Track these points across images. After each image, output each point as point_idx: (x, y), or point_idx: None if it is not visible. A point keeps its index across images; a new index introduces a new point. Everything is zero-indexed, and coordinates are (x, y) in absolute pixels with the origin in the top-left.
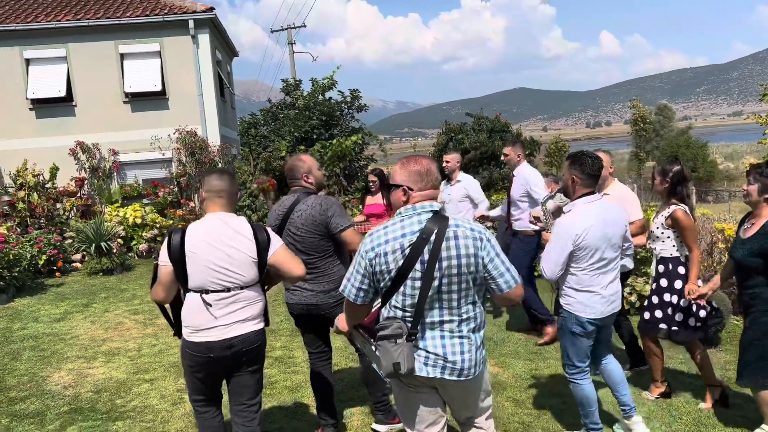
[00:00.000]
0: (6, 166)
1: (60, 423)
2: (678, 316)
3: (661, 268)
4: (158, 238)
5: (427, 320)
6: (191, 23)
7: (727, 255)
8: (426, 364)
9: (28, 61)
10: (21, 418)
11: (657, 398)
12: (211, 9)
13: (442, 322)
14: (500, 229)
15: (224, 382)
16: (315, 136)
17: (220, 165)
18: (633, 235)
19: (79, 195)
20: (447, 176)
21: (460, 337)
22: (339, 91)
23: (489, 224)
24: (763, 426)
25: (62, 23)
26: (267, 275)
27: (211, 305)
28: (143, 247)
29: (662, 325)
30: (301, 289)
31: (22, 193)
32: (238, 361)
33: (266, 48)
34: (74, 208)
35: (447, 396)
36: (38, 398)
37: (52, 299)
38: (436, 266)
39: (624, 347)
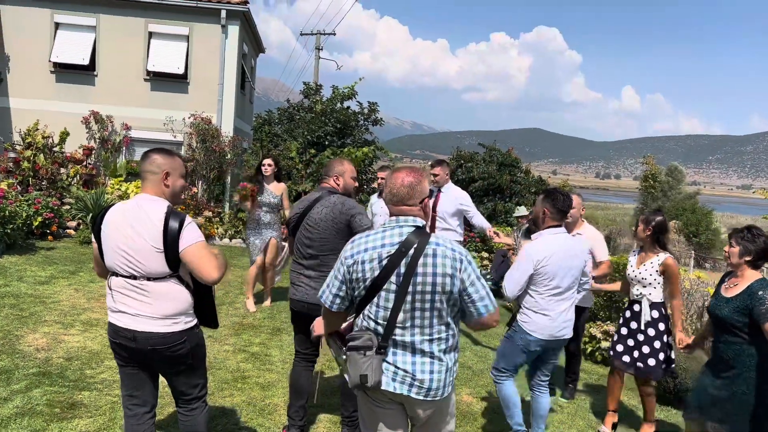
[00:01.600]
0: (18, 123)
1: (26, 384)
2: (672, 354)
3: (655, 313)
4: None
5: (398, 336)
6: (223, 13)
7: None
8: (394, 380)
9: (57, 25)
10: None
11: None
12: (246, 2)
13: (413, 340)
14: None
15: (153, 378)
16: (327, 142)
17: (229, 156)
18: (599, 278)
19: (84, 163)
20: (381, 191)
21: (431, 356)
22: (358, 101)
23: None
24: None
25: None
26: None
27: (112, 289)
28: None
29: (665, 365)
30: (306, 286)
31: (28, 153)
32: (150, 358)
33: (292, 50)
34: (78, 175)
35: (412, 414)
36: (9, 356)
37: (40, 261)
38: (411, 281)
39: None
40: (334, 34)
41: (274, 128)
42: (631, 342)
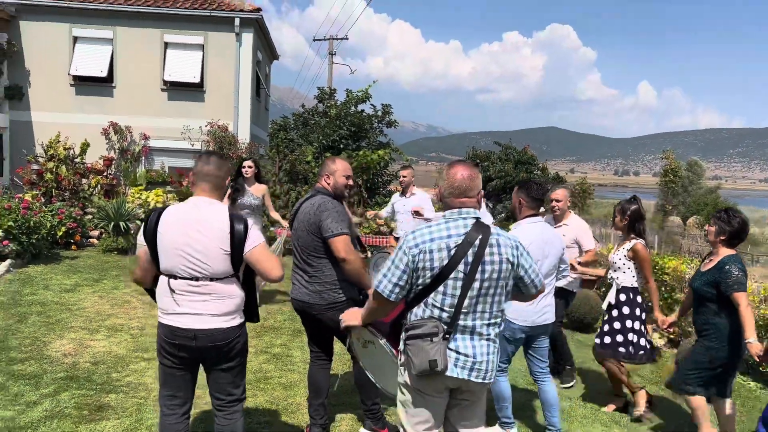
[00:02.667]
0: (40, 136)
1: (54, 388)
2: (641, 341)
3: (622, 296)
4: None
5: (461, 322)
6: (237, 21)
7: None
8: (456, 366)
9: (75, 39)
10: (18, 378)
11: (615, 411)
12: (258, 10)
13: (474, 324)
14: None
15: (195, 378)
16: (342, 146)
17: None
18: (586, 263)
19: (105, 174)
20: (403, 189)
21: (488, 339)
22: (371, 104)
23: None
24: None
25: (113, 6)
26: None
27: (174, 291)
28: None
29: (621, 349)
30: (299, 284)
31: (51, 165)
32: (206, 356)
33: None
34: (99, 185)
35: (458, 402)
36: (37, 362)
37: (65, 270)
38: (479, 269)
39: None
40: (347, 39)
41: (290, 134)
42: (606, 327)
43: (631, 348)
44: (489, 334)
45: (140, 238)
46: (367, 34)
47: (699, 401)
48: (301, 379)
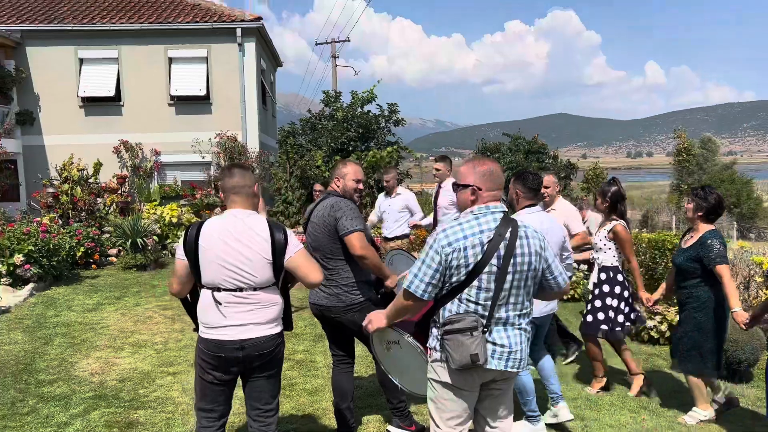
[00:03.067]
0: (53, 159)
1: (84, 407)
2: (618, 318)
3: (603, 275)
4: None
5: (496, 314)
6: (239, 31)
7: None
8: (493, 357)
9: (81, 61)
10: (47, 400)
11: (598, 392)
12: (259, 19)
13: (507, 316)
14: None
15: (233, 391)
16: (351, 148)
17: (257, 171)
18: (575, 248)
19: (119, 192)
20: (387, 191)
21: (520, 329)
22: (377, 104)
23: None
24: (694, 408)
25: (116, 26)
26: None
27: (221, 303)
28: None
29: (603, 326)
30: (316, 288)
31: (66, 187)
32: (250, 365)
33: (309, 62)
34: (114, 204)
35: (490, 393)
36: (65, 382)
37: (87, 290)
38: (511, 262)
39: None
40: (349, 41)
41: (299, 139)
42: (589, 306)
43: (610, 324)
44: (521, 324)
45: (179, 252)
46: (368, 34)
47: (697, 379)
48: (325, 384)
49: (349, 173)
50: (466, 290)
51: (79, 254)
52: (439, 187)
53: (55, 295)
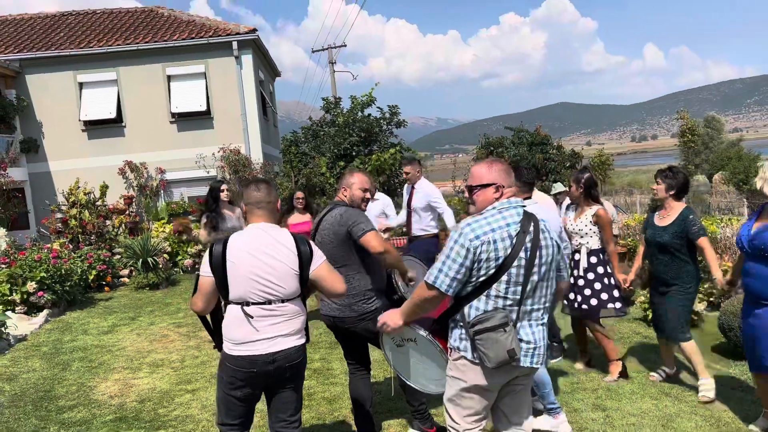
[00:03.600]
0: (60, 184)
1: (105, 431)
2: (617, 293)
3: (593, 259)
4: (202, 253)
5: (523, 308)
6: (235, 44)
7: None
8: (522, 354)
9: (81, 85)
10: (68, 426)
11: (617, 379)
12: (254, 30)
13: (532, 310)
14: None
15: (257, 404)
16: (354, 153)
17: None
18: None
19: (127, 212)
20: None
21: (542, 324)
22: (378, 107)
23: (387, 235)
24: (701, 381)
25: (113, 48)
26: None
27: (252, 317)
28: (188, 262)
29: (611, 305)
30: (328, 300)
31: (74, 211)
32: (279, 377)
33: (307, 70)
34: (123, 224)
35: (511, 389)
36: (85, 407)
37: (101, 312)
38: (537, 254)
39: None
40: (345, 46)
41: (301, 147)
42: (574, 289)
43: (616, 302)
44: (543, 319)
45: (205, 269)
46: (364, 37)
47: (692, 345)
48: (344, 391)
49: (356, 183)
50: (495, 285)
51: (91, 277)
52: (412, 188)
53: (70, 320)
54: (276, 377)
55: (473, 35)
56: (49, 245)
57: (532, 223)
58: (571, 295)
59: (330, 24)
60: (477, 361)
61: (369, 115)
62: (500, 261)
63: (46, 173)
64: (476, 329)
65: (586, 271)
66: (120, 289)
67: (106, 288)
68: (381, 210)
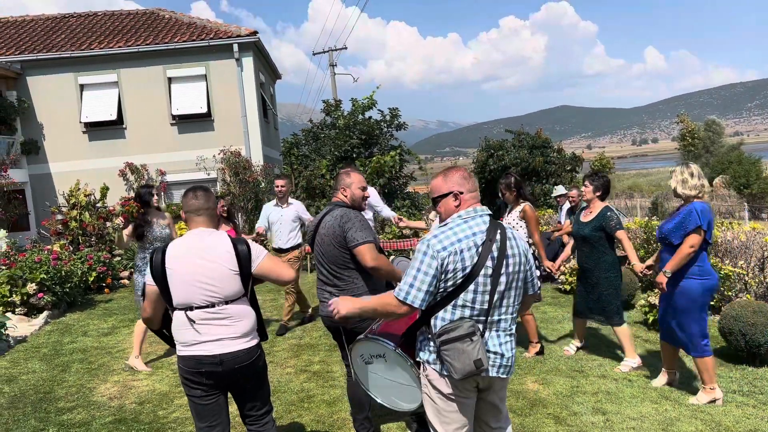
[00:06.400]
0: (60, 186)
1: None
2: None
3: None
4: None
5: (490, 318)
6: (236, 47)
7: None
8: (489, 365)
9: (82, 87)
10: (68, 428)
11: (537, 354)
12: (255, 33)
13: (500, 321)
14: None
15: (226, 404)
16: (354, 155)
17: (263, 184)
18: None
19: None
20: (279, 199)
21: (511, 334)
22: (378, 110)
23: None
24: (626, 359)
25: (114, 50)
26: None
27: (194, 322)
28: None
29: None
30: (329, 303)
31: (74, 213)
32: (232, 378)
33: (308, 72)
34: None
35: (485, 401)
36: (85, 409)
37: (101, 314)
38: (503, 263)
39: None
40: (346, 48)
41: (302, 150)
42: None
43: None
44: (511, 330)
45: (148, 278)
46: (365, 40)
47: (625, 329)
48: (343, 394)
49: (355, 182)
50: (461, 295)
51: (91, 279)
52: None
53: (70, 322)
54: (228, 378)
55: (473, 38)
56: (49, 247)
57: (499, 231)
58: None
59: (330, 27)
60: (445, 373)
61: (370, 117)
62: (467, 271)
63: (47, 175)
64: (442, 339)
65: None
66: (120, 291)
67: (106, 290)
68: (296, 215)
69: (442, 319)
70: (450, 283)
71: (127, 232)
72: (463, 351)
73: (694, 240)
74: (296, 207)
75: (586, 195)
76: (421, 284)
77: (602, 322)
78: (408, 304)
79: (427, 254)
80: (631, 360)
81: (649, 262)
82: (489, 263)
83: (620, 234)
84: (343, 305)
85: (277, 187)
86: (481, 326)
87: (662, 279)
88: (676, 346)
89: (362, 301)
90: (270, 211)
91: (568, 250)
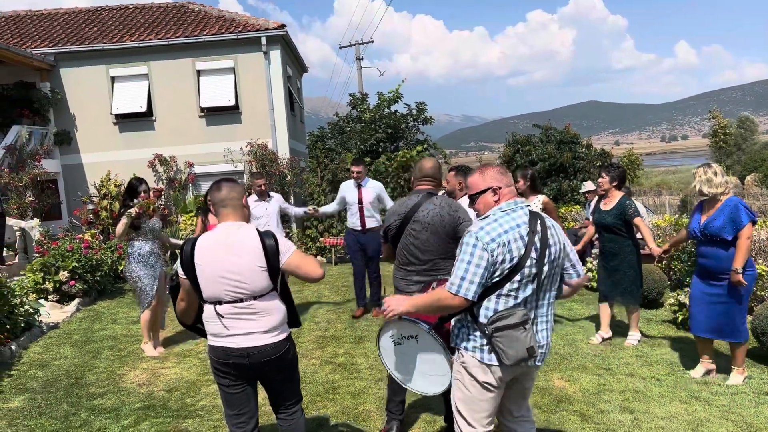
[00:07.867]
0: (91, 176)
1: (134, 418)
2: None
3: None
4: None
5: (534, 307)
6: (263, 40)
7: None
8: None
9: (113, 79)
10: (98, 413)
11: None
12: (283, 26)
13: (543, 309)
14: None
15: (255, 393)
16: (380, 149)
17: (289, 177)
18: None
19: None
20: (260, 195)
21: (547, 322)
22: (405, 104)
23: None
24: (631, 333)
25: (145, 42)
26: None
27: (222, 316)
28: None
29: None
30: (416, 293)
31: (105, 203)
32: (261, 371)
33: (334, 66)
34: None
35: (513, 389)
36: (115, 394)
37: (130, 303)
38: (546, 253)
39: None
40: (372, 42)
41: (328, 143)
42: None
43: None
44: (549, 318)
45: (181, 271)
46: (391, 33)
47: (638, 313)
48: (368, 386)
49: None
50: (507, 285)
51: (121, 268)
52: (360, 186)
53: (100, 309)
54: (256, 370)
55: (500, 32)
56: (80, 236)
57: (539, 222)
58: None
59: (357, 21)
60: (486, 360)
61: (395, 111)
62: (514, 262)
63: (79, 165)
64: (496, 326)
65: None
66: None
67: None
68: (278, 207)
69: (486, 308)
70: (497, 273)
71: (120, 226)
72: (517, 339)
73: (750, 232)
74: (277, 199)
75: (603, 186)
76: (473, 276)
77: (620, 303)
78: (461, 297)
79: (477, 246)
80: (636, 334)
81: (666, 246)
82: (533, 254)
83: (638, 221)
84: (397, 303)
85: (259, 186)
86: (531, 314)
87: (739, 277)
88: (722, 339)
89: (415, 298)
90: (253, 205)
91: (591, 231)
